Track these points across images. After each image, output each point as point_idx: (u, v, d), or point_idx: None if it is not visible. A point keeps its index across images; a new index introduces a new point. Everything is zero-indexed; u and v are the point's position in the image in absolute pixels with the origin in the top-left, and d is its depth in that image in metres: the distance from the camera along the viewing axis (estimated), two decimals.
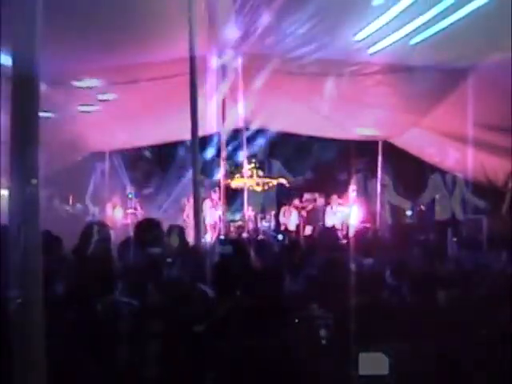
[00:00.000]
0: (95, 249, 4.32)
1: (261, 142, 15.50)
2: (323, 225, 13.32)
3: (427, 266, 4.67)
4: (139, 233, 3.85)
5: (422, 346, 2.66)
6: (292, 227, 14.21)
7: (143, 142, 13.30)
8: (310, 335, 2.89)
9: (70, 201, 13.34)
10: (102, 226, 4.62)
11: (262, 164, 16.82)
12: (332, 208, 13.86)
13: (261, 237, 11.72)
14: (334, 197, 13.90)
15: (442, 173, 13.14)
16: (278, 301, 3.40)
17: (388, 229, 12.87)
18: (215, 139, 11.59)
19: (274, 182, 16.49)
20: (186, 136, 7.25)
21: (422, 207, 14.15)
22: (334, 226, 11.78)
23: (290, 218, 14.50)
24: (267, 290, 3.51)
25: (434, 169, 13.07)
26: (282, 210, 14.88)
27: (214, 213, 13.27)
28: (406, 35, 6.76)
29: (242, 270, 3.59)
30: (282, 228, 14.33)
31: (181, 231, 5.14)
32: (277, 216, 15.15)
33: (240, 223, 14.53)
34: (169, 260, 4.04)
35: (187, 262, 4.20)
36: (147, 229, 3.86)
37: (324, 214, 14.06)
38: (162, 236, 3.88)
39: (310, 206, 14.53)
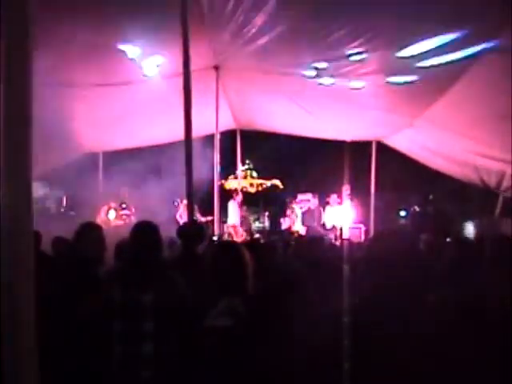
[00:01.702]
0: (90, 250, 4.30)
1: (255, 143, 15.52)
2: (315, 227, 13.38)
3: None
4: (136, 235, 3.83)
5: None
6: (286, 227, 14.21)
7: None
8: (310, 336, 2.88)
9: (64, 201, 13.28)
10: (96, 228, 4.60)
11: (256, 165, 16.82)
12: (325, 209, 13.87)
13: (257, 236, 11.74)
14: (328, 197, 13.91)
15: (438, 172, 13.11)
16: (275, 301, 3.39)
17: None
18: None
19: (268, 183, 16.49)
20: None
21: (416, 208, 14.17)
22: (321, 235, 11.79)
23: (285, 219, 14.51)
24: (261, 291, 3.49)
25: (428, 169, 13.05)
26: (276, 210, 14.89)
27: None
28: None
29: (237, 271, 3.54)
30: (276, 228, 14.34)
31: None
32: (270, 217, 15.17)
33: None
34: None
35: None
36: (144, 231, 3.85)
37: (317, 214, 14.06)
38: (159, 239, 3.86)
39: (303, 207, 14.54)
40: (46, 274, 3.91)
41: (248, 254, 3.24)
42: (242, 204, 14.21)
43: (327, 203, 13.92)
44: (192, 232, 5.06)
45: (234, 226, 13.30)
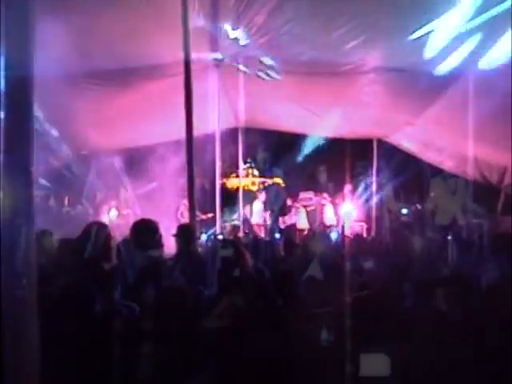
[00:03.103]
0: (95, 250, 4.29)
1: (256, 141, 15.49)
2: (318, 225, 13.38)
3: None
4: (136, 234, 3.83)
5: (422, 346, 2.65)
6: (289, 226, 14.18)
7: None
8: (310, 335, 2.88)
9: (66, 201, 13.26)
10: (103, 227, 4.57)
11: (258, 163, 16.75)
12: (327, 207, 13.86)
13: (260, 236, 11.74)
14: (330, 196, 13.90)
15: (438, 171, 13.08)
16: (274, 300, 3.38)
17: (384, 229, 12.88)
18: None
19: (270, 181, 16.44)
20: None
21: (418, 206, 14.12)
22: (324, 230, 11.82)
23: (284, 218, 14.50)
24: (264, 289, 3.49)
25: (430, 167, 13.02)
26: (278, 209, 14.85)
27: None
28: None
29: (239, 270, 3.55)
30: (277, 227, 14.31)
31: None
32: (272, 215, 15.14)
33: (235, 222, 14.50)
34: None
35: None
36: (144, 230, 3.85)
37: (319, 213, 14.06)
38: (159, 237, 3.87)
39: (306, 206, 14.52)
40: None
41: (248, 253, 3.24)
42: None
43: (322, 203, 13.95)
44: (186, 233, 5.20)
45: (258, 225, 13.41)
